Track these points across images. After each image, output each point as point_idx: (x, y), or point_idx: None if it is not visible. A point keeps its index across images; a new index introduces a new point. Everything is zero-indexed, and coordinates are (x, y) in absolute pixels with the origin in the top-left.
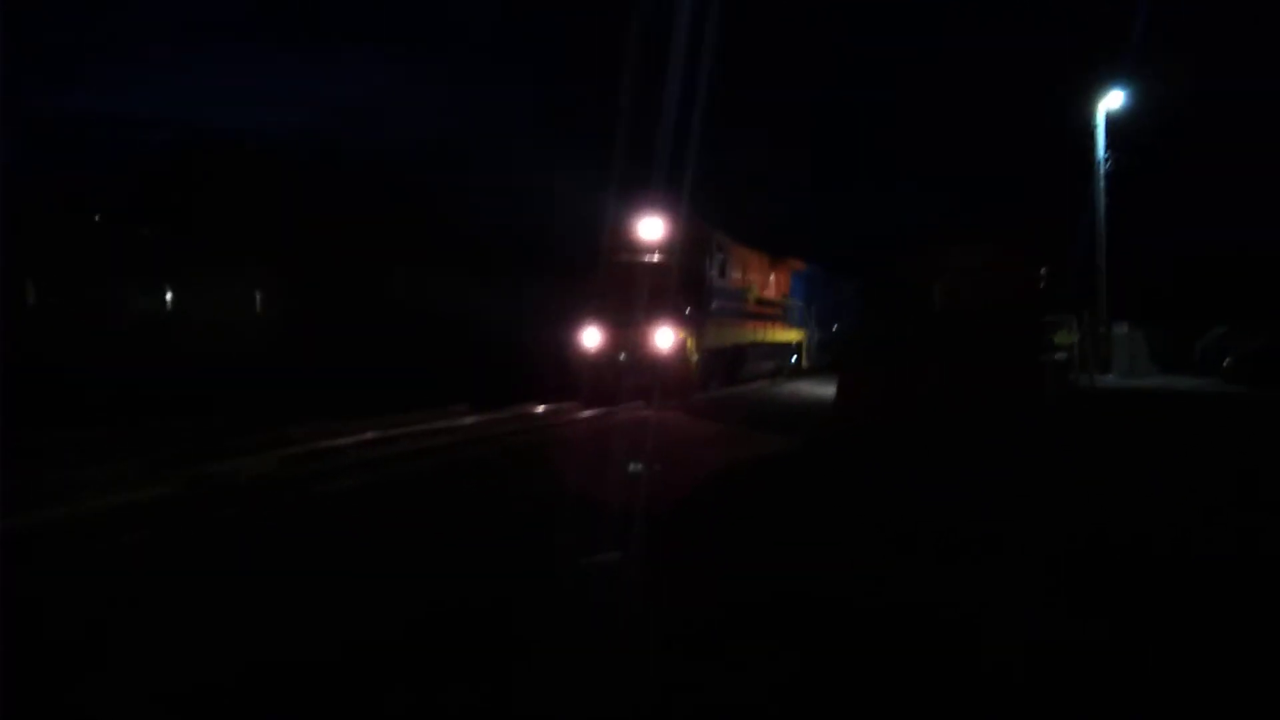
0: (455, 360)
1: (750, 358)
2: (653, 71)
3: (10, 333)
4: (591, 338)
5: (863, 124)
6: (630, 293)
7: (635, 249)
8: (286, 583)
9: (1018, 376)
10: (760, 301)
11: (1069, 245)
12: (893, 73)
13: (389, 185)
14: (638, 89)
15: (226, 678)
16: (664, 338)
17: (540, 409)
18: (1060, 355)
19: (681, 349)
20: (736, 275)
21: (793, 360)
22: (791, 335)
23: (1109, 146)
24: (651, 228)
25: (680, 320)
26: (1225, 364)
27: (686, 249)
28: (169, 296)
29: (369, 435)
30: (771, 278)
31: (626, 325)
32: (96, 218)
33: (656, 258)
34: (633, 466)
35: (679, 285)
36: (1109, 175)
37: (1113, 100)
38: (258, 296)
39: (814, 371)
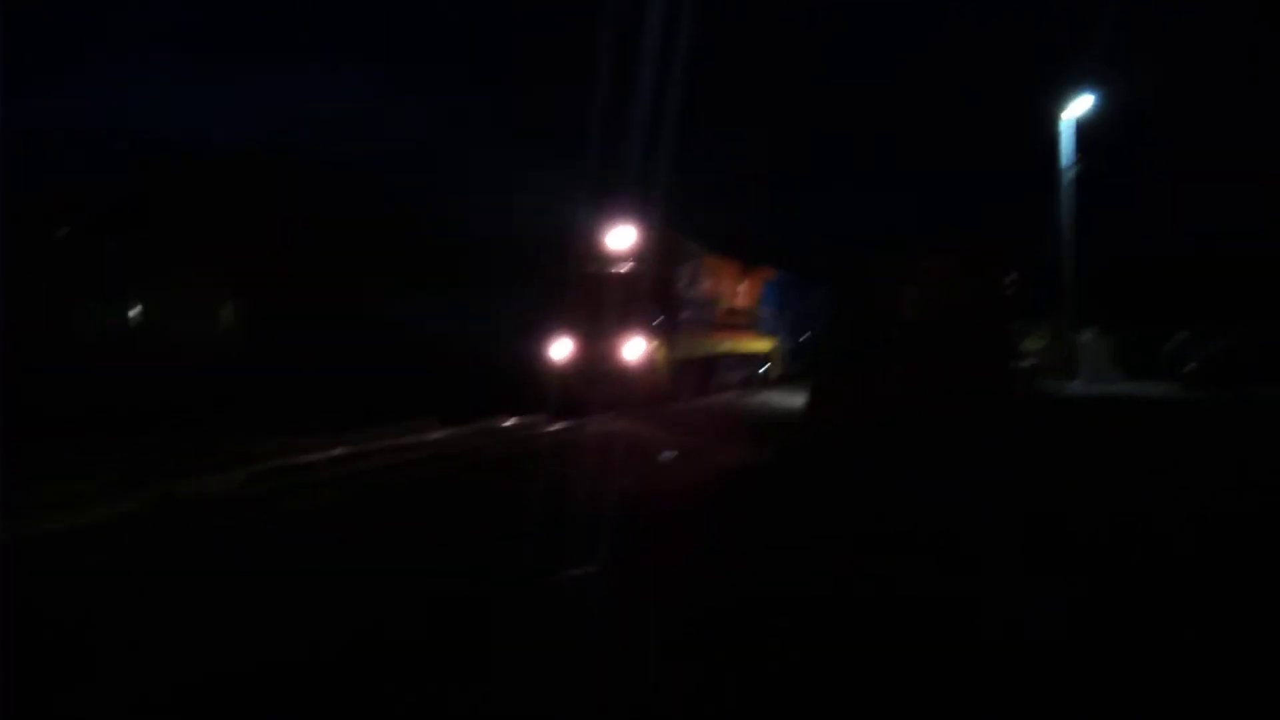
0: (425, 372)
1: (721, 368)
2: (622, 80)
3: None
4: (561, 349)
5: (831, 131)
6: (600, 303)
7: (605, 259)
8: (255, 600)
9: (986, 383)
10: (731, 311)
11: (1036, 251)
12: (861, 80)
13: (359, 196)
14: (607, 97)
15: (195, 687)
16: (634, 349)
17: (510, 422)
18: (1028, 362)
19: (652, 360)
20: (707, 285)
21: (764, 369)
22: (763, 344)
23: (1075, 152)
24: (621, 237)
25: (650, 331)
26: (1186, 370)
27: (656, 259)
28: (136, 310)
29: (338, 451)
30: (742, 287)
31: (596, 336)
32: (62, 232)
33: (626, 268)
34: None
35: (649, 295)
36: (1075, 181)
37: (1079, 106)
38: (226, 309)
39: (785, 380)
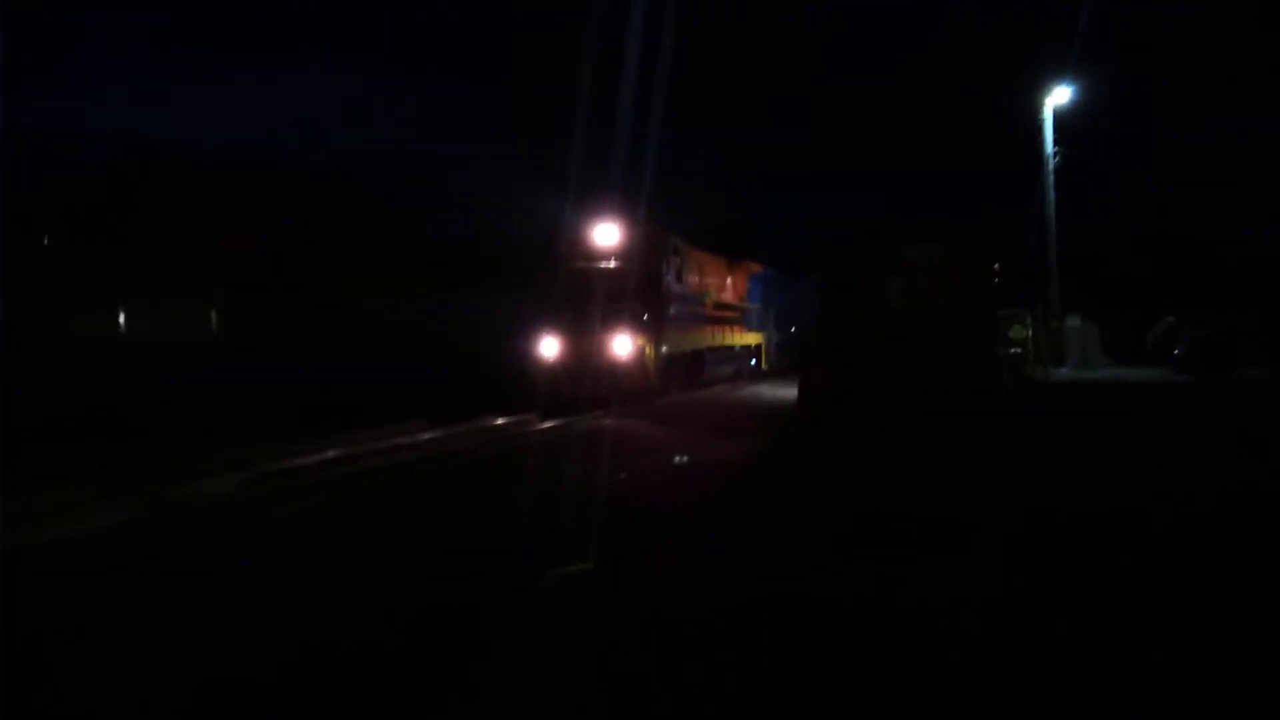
0: (415, 373)
1: (709, 362)
2: (607, 77)
3: None
4: (549, 347)
5: (814, 125)
6: (587, 300)
7: (591, 255)
8: (248, 608)
9: (974, 372)
10: (718, 305)
11: (1021, 240)
12: (844, 73)
13: (344, 197)
14: (592, 94)
15: (185, 695)
16: (622, 345)
17: (500, 421)
18: (1015, 350)
19: (640, 355)
20: (694, 279)
21: (752, 363)
22: (750, 338)
23: (1057, 142)
24: (607, 234)
25: (638, 326)
26: (1175, 354)
27: (643, 254)
28: (121, 317)
29: (329, 454)
30: (729, 281)
31: (584, 333)
32: (45, 240)
33: (613, 264)
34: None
35: (636, 291)
36: (1058, 170)
37: (1060, 96)
38: (212, 314)
39: (774, 374)
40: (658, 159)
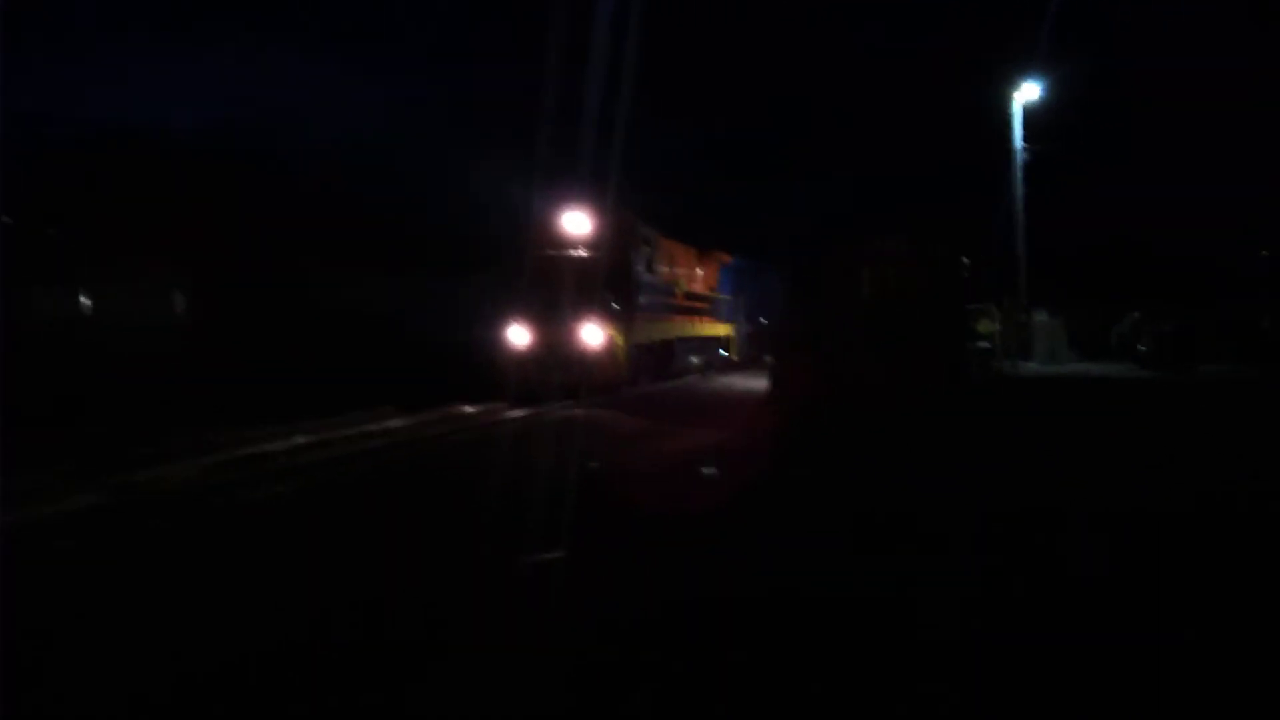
0: (383, 361)
1: (679, 352)
2: (577, 64)
3: None
4: (518, 336)
5: (786, 116)
6: (557, 288)
7: (561, 244)
8: (214, 592)
9: (942, 364)
10: (689, 295)
11: (989, 234)
12: (812, 65)
13: (312, 183)
14: (560, 81)
15: (152, 686)
16: (591, 334)
17: (468, 410)
18: (983, 343)
19: (610, 345)
20: (664, 269)
21: (722, 354)
22: (721, 329)
23: (1026, 138)
24: (577, 222)
25: (608, 316)
26: (1140, 349)
27: (613, 243)
28: (85, 300)
29: (297, 440)
30: (699, 271)
31: (554, 322)
32: (5, 219)
33: (582, 253)
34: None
35: (606, 280)
36: (1026, 165)
37: (1029, 92)
38: (179, 298)
39: (743, 364)
40: (628, 147)
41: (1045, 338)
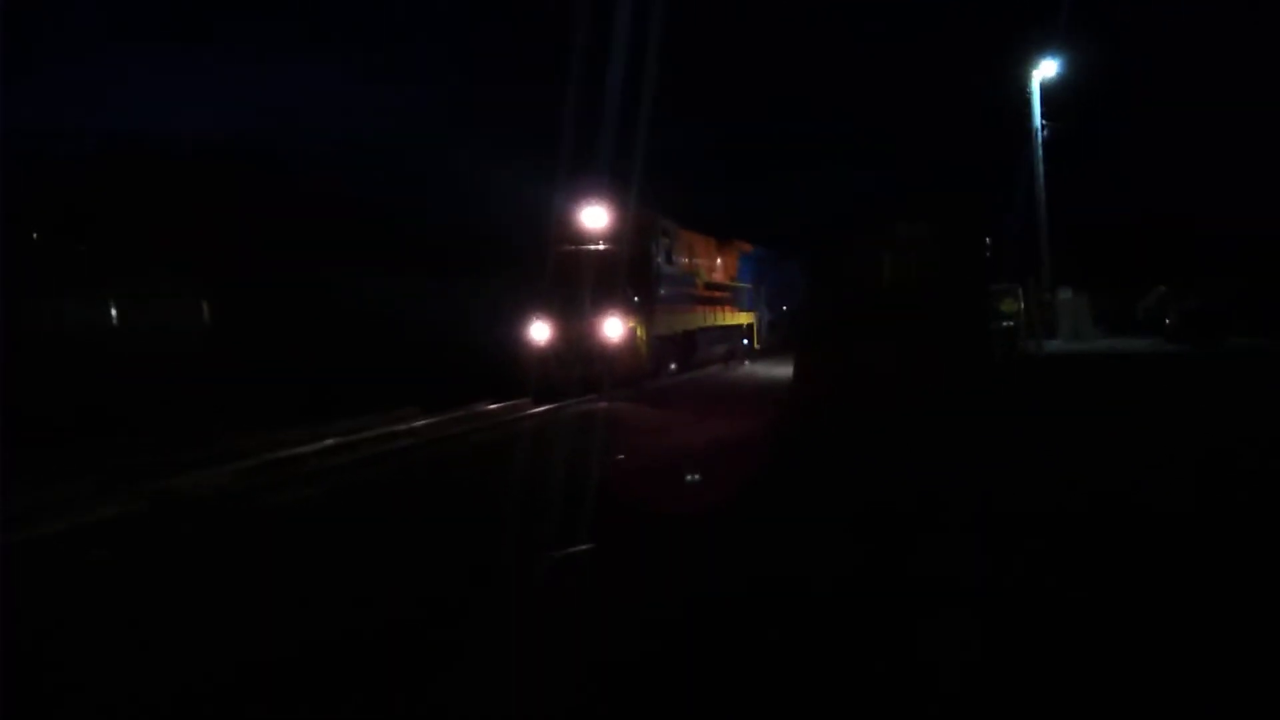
0: (407, 361)
1: (702, 343)
2: (594, 59)
3: None
4: (540, 331)
5: (802, 102)
6: (577, 283)
7: (580, 238)
8: (251, 594)
9: (967, 347)
10: (709, 285)
11: (1010, 213)
12: (831, 51)
13: (333, 186)
14: (579, 77)
15: (201, 684)
16: (613, 327)
17: (493, 407)
18: (1007, 323)
19: (631, 337)
20: (684, 260)
21: (744, 343)
22: (742, 318)
23: (1046, 115)
24: (596, 216)
25: (629, 308)
26: (1166, 324)
27: (632, 236)
28: (113, 311)
29: (326, 443)
30: (719, 261)
31: (575, 316)
32: (34, 235)
33: (602, 246)
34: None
35: (626, 273)
36: (1047, 143)
37: (1047, 69)
38: (204, 306)
39: (766, 353)
40: (646, 140)
41: (1070, 315)
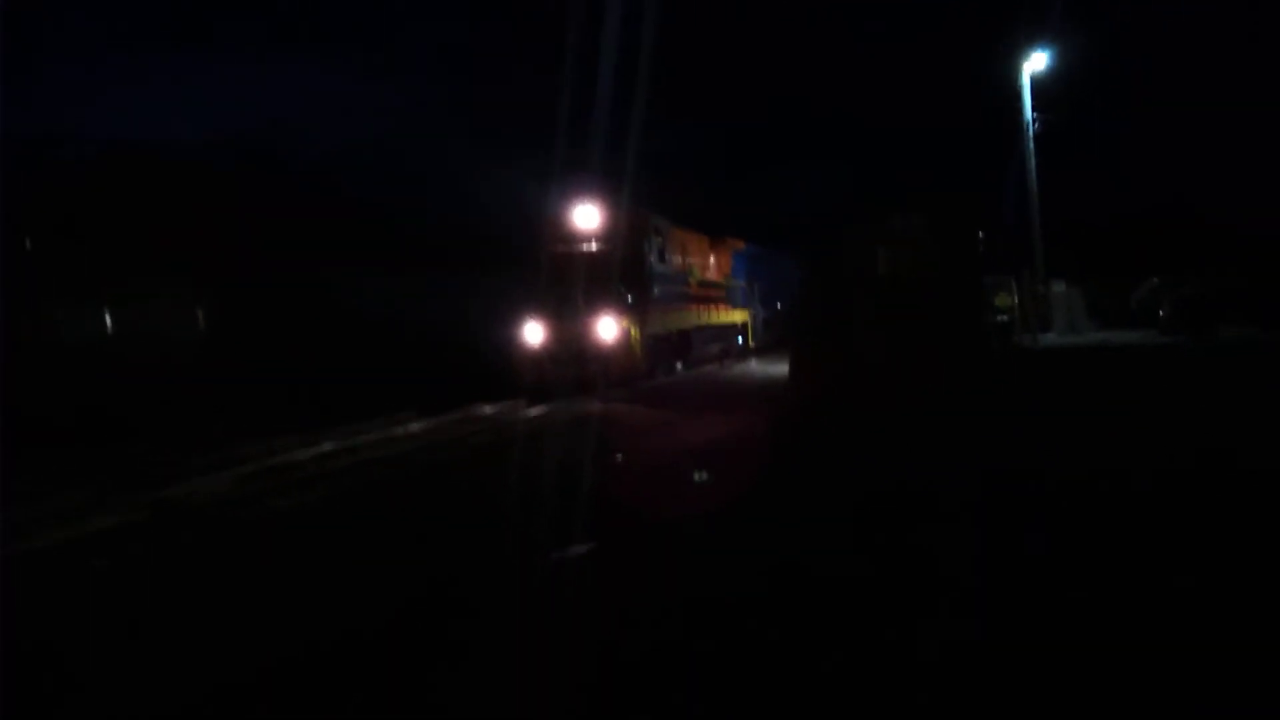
0: (402, 364)
1: (696, 341)
2: (582, 59)
3: None
4: (534, 333)
5: (795, 98)
6: (570, 284)
7: (572, 239)
8: (254, 598)
9: (962, 341)
10: (703, 284)
11: (1003, 207)
12: (819, 47)
13: (326, 190)
14: (568, 77)
15: (202, 688)
16: (607, 328)
17: (488, 409)
18: (1002, 317)
19: (626, 338)
20: (677, 259)
21: (739, 341)
22: (736, 315)
23: (1037, 107)
24: (587, 216)
25: (622, 308)
26: (1161, 315)
27: (624, 235)
28: (108, 317)
29: (325, 447)
30: (712, 259)
31: (569, 317)
32: (27, 243)
33: (594, 246)
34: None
35: (619, 273)
36: (1038, 136)
37: (1037, 61)
38: (199, 311)
39: (761, 350)
40: (639, 140)
41: (1064, 308)
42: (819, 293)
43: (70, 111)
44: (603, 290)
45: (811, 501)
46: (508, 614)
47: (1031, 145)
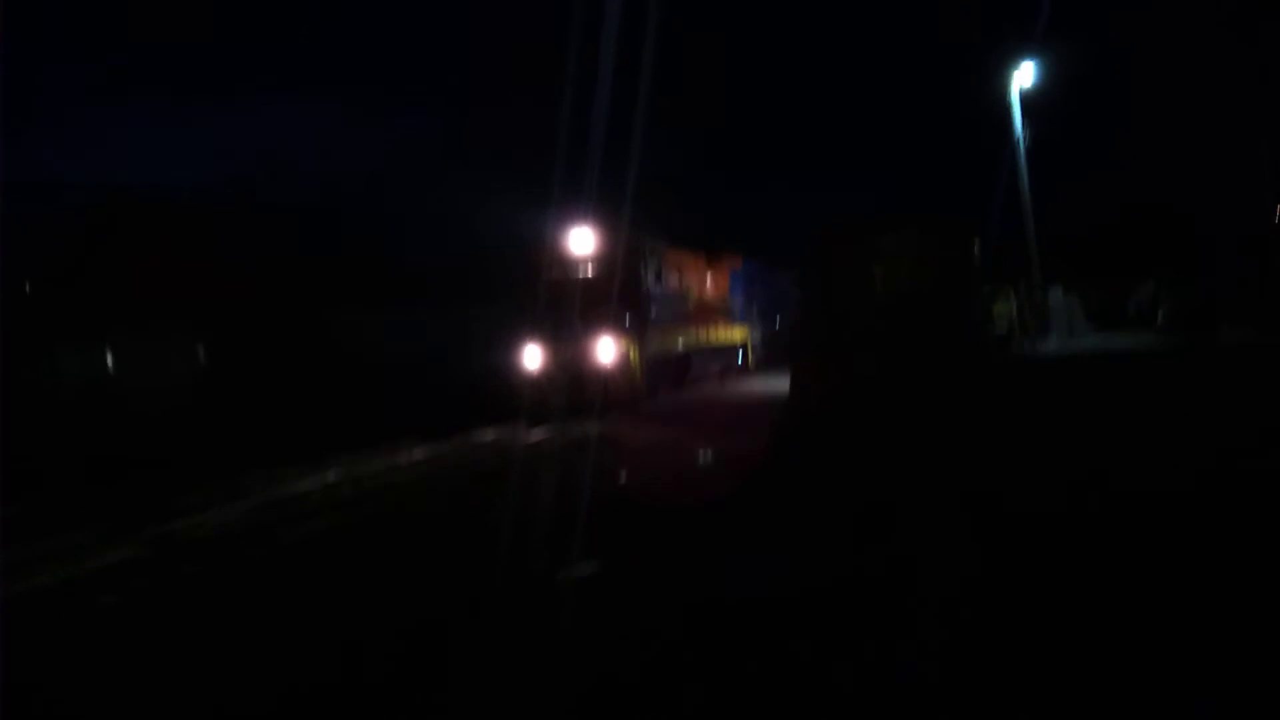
0: (403, 395)
1: (696, 361)
2: (574, 83)
3: None
4: (533, 358)
5: (782, 117)
6: (568, 309)
7: (569, 264)
8: (263, 631)
9: (961, 352)
10: (701, 303)
11: (998, 216)
12: (811, 63)
13: (321, 227)
14: (560, 102)
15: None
16: (606, 350)
17: (489, 436)
18: (1000, 326)
19: (625, 360)
20: (674, 279)
21: (739, 358)
22: (735, 334)
23: (1028, 115)
24: (583, 240)
25: (621, 331)
26: (1159, 318)
27: (620, 258)
28: (109, 359)
29: (328, 478)
30: (709, 277)
31: (568, 342)
32: (26, 288)
33: (591, 270)
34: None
35: (617, 296)
36: (1030, 145)
37: (1026, 71)
38: (199, 350)
39: (760, 367)
40: (628, 161)
41: (1062, 314)
42: (816, 311)
43: (66, 157)
44: (601, 314)
45: (810, 524)
46: (515, 635)
47: (1023, 155)
